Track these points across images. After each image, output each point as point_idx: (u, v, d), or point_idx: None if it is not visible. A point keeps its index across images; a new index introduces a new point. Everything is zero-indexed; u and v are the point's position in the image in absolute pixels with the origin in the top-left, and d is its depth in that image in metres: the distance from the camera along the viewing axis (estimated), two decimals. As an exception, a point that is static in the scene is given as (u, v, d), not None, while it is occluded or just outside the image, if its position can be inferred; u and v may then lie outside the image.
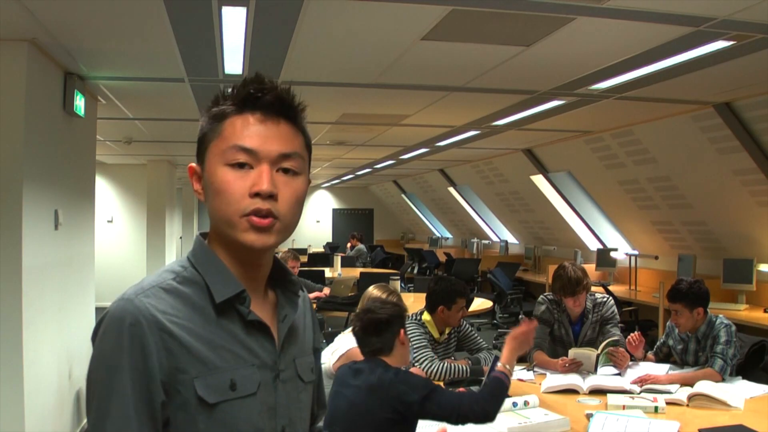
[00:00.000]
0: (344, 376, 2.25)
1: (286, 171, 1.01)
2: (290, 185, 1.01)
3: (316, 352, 1.22)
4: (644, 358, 3.38)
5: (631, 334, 3.34)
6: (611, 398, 2.73)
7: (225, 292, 1.00)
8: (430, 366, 3.13)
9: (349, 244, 12.88)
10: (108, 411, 0.92)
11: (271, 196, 0.98)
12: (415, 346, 3.17)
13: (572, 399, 2.83)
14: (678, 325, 3.24)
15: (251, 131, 0.99)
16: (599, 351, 3.12)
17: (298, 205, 1.03)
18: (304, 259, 9.37)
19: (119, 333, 0.93)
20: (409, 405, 2.06)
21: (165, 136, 7.04)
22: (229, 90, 1.03)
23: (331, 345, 2.98)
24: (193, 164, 1.05)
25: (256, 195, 0.97)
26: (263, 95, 1.00)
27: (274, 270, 1.11)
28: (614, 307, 3.49)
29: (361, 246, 12.50)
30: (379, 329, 2.25)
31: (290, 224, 1.02)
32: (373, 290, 3.05)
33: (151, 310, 0.94)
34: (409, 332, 2.79)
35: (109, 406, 0.91)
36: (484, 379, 2.91)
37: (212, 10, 2.84)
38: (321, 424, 1.27)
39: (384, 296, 2.96)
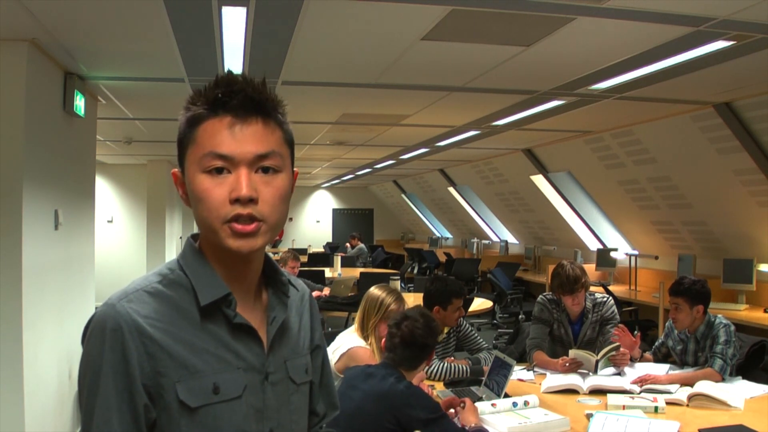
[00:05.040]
0: (354, 379, 2.25)
1: (265, 170, 0.99)
2: (271, 184, 0.99)
3: (316, 350, 1.20)
4: (641, 358, 3.38)
5: (616, 328, 3.31)
6: (611, 398, 2.73)
7: (210, 295, 1.00)
8: (430, 366, 3.12)
9: (348, 245, 12.90)
10: (93, 413, 0.93)
11: (252, 200, 0.97)
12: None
13: (572, 399, 2.83)
14: (676, 321, 3.23)
15: (224, 136, 0.97)
16: (599, 357, 3.11)
17: (282, 203, 1.01)
18: (304, 259, 9.38)
19: (101, 338, 0.94)
20: (411, 420, 2.06)
21: (165, 136, 7.04)
22: (203, 89, 1.01)
23: (332, 344, 2.98)
24: (176, 170, 1.05)
25: (236, 201, 0.96)
26: (231, 99, 0.98)
27: (266, 269, 1.10)
28: (614, 307, 3.48)
29: (362, 245, 12.53)
30: (420, 348, 2.28)
31: (276, 223, 1.01)
32: (374, 290, 3.05)
33: (132, 315, 0.95)
34: None
35: (93, 409, 0.93)
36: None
37: (212, 10, 2.84)
38: (326, 421, 1.24)
39: (389, 297, 2.96)
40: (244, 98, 0.98)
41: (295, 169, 1.07)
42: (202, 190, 0.98)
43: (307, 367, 1.14)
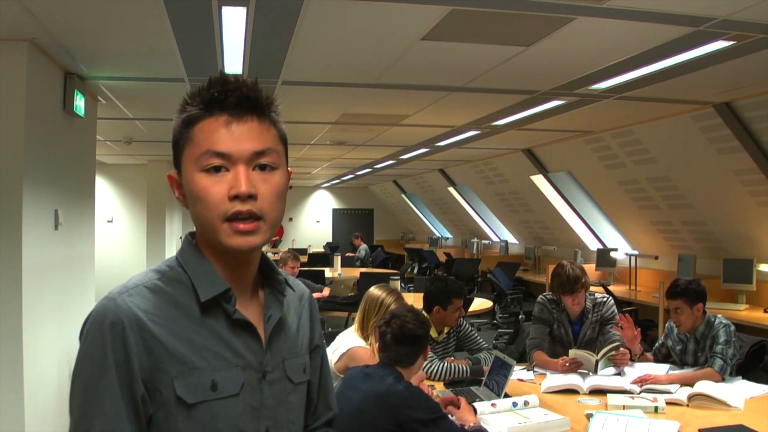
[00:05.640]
0: (354, 379, 2.24)
1: (262, 168, 1.00)
2: (269, 181, 1.00)
3: (316, 350, 1.20)
4: (642, 356, 3.38)
5: (620, 316, 3.31)
6: (611, 398, 2.73)
7: (210, 291, 1.00)
8: (430, 366, 3.12)
9: (353, 245, 12.93)
10: (96, 404, 0.93)
11: (251, 197, 0.97)
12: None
13: (572, 399, 2.83)
14: (678, 324, 3.22)
15: (221, 134, 0.98)
16: (599, 357, 3.11)
17: (279, 200, 1.02)
18: (304, 259, 9.37)
19: (101, 331, 0.94)
20: (411, 421, 2.05)
21: (165, 136, 7.04)
22: (197, 90, 1.02)
23: (332, 344, 2.98)
24: (172, 172, 1.06)
25: (236, 197, 0.97)
26: (227, 97, 0.99)
27: (263, 268, 1.10)
28: (614, 307, 3.48)
29: (364, 245, 12.55)
30: (412, 341, 2.28)
31: (274, 221, 1.02)
32: (374, 290, 3.04)
33: (133, 309, 0.95)
34: None
35: (100, 403, 0.92)
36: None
37: (212, 10, 2.84)
38: (322, 422, 1.24)
39: (389, 297, 2.95)
40: (240, 96, 0.99)
41: (289, 168, 1.07)
42: (200, 188, 0.98)
43: (305, 366, 1.14)
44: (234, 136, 0.99)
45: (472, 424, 2.30)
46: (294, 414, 1.10)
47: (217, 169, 0.98)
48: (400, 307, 2.51)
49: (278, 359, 1.07)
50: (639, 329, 3.39)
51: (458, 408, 2.41)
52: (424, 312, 2.97)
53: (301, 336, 1.15)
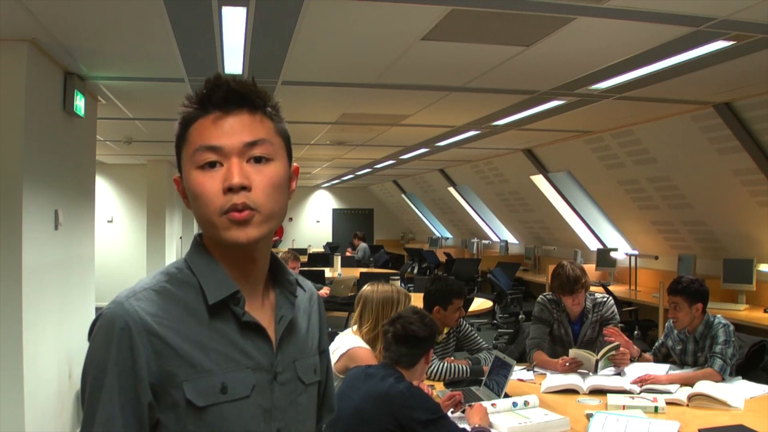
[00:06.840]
0: (354, 379, 2.24)
1: (257, 160, 1.00)
2: (263, 173, 1.00)
3: (323, 353, 1.20)
4: (640, 357, 3.38)
5: (605, 330, 3.31)
6: (611, 398, 2.73)
7: (218, 293, 1.00)
8: (430, 366, 3.12)
9: (354, 243, 12.93)
10: (96, 410, 0.93)
11: (244, 188, 0.97)
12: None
13: (572, 399, 2.83)
14: (675, 320, 3.23)
15: (213, 129, 1.00)
16: (599, 357, 3.11)
17: (276, 192, 1.01)
18: (304, 259, 9.38)
19: (109, 336, 0.94)
20: (411, 421, 2.05)
21: (165, 136, 7.04)
22: (194, 92, 1.03)
23: (331, 344, 2.96)
24: (176, 176, 1.06)
25: (229, 190, 0.97)
26: (215, 93, 1.00)
27: (273, 268, 1.10)
28: (614, 307, 3.49)
29: (364, 245, 12.54)
30: (413, 343, 2.27)
31: (272, 212, 1.01)
32: (382, 288, 2.99)
33: (141, 313, 0.95)
34: None
35: (98, 405, 0.93)
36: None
37: (212, 10, 2.84)
38: (323, 423, 1.24)
39: (400, 295, 2.94)
40: (228, 90, 1.00)
41: (294, 164, 1.07)
42: (196, 185, 0.99)
43: (316, 367, 1.14)
44: (224, 129, 0.99)
45: (477, 425, 2.30)
46: (304, 415, 1.09)
47: (212, 165, 0.99)
48: (406, 310, 2.50)
49: (289, 360, 1.07)
50: (636, 332, 3.38)
51: (470, 407, 2.42)
52: None
53: (311, 337, 1.15)
